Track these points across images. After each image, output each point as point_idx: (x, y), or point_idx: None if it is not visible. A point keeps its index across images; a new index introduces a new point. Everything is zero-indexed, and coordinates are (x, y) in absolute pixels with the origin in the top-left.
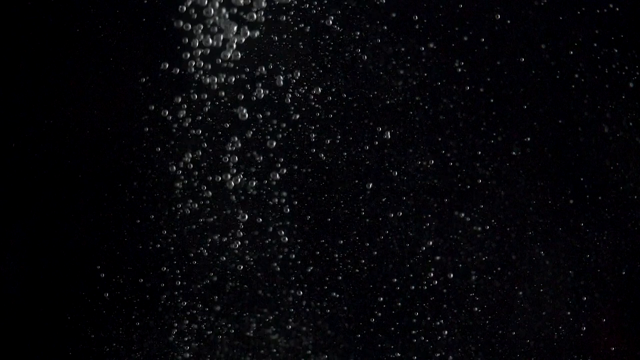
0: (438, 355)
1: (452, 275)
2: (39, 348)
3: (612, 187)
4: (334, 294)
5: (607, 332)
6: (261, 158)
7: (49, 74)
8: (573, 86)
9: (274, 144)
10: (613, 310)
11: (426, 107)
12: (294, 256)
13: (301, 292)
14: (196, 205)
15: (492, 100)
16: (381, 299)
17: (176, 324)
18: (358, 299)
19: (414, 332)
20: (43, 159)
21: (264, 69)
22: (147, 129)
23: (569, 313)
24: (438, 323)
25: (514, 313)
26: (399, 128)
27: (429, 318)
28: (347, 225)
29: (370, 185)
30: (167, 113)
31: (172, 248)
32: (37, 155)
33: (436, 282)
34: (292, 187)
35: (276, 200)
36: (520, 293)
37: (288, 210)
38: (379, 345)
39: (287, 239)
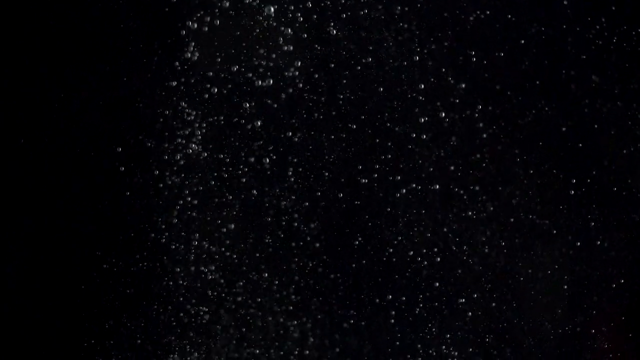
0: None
1: (453, 279)
2: (39, 348)
3: (615, 185)
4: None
5: (608, 331)
6: (269, 161)
7: (48, 75)
8: (576, 84)
9: (282, 145)
10: (614, 309)
11: (431, 106)
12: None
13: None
14: (200, 206)
15: (493, 100)
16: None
17: (179, 328)
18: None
19: (423, 333)
20: (44, 158)
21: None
22: (150, 128)
23: (572, 313)
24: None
25: (521, 311)
26: (402, 128)
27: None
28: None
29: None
30: (167, 112)
31: (174, 249)
32: (38, 154)
33: (449, 281)
34: (301, 188)
35: (284, 201)
36: (526, 293)
37: (296, 209)
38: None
39: (291, 238)
